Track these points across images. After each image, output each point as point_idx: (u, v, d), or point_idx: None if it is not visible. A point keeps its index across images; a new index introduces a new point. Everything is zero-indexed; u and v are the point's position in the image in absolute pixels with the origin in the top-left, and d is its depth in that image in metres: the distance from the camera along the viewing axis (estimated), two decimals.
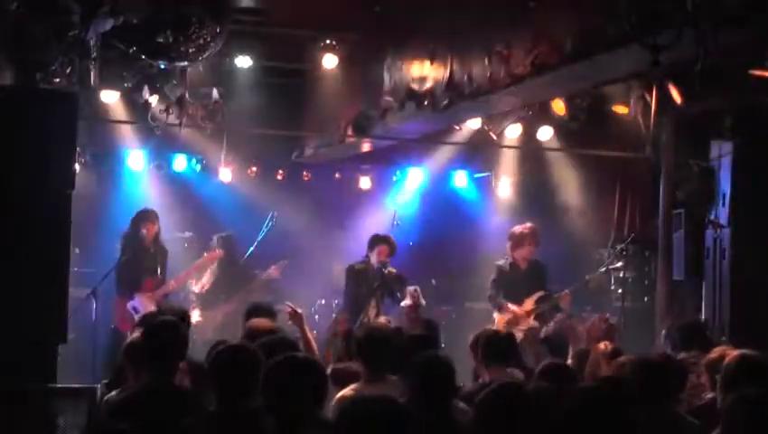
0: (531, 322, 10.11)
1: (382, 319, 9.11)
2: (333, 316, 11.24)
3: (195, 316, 10.90)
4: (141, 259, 10.48)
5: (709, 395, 5.66)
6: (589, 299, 11.17)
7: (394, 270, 10.36)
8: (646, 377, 5.12)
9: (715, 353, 5.93)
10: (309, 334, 6.84)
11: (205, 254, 11.16)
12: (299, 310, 6.95)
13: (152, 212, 10.72)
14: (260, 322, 6.42)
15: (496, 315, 10.43)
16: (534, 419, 3.86)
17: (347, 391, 5.67)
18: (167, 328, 5.27)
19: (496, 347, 6.31)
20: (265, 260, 11.60)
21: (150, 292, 10.32)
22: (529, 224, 10.68)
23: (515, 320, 10.17)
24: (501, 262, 10.62)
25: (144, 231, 10.45)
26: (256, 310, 6.91)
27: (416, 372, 4.99)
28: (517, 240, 10.53)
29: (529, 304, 10.29)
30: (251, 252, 11.65)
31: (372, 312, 10.06)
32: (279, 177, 13.24)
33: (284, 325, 6.90)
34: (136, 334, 5.80)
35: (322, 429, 4.19)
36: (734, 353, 5.35)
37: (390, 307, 10.41)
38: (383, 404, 3.69)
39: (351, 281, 10.45)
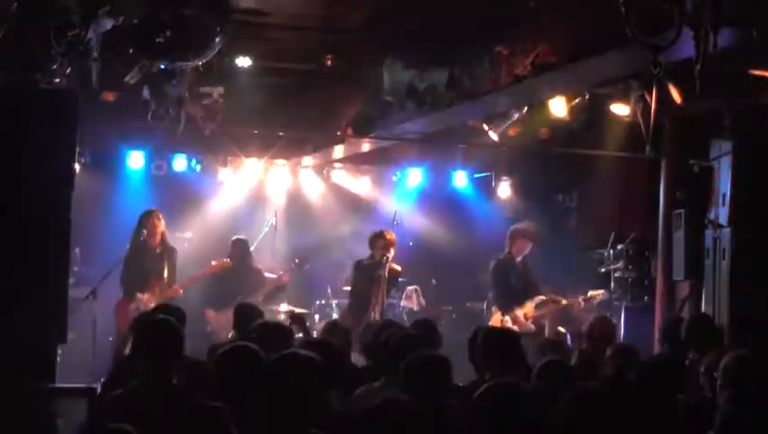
0: (530, 325, 10.17)
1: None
2: (333, 316, 11.26)
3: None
4: (146, 260, 10.46)
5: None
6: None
7: (397, 267, 10.43)
8: (646, 376, 5.13)
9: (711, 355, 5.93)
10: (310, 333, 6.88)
11: (213, 262, 11.13)
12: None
13: (154, 212, 10.69)
14: None
15: (495, 310, 10.45)
16: (532, 417, 3.85)
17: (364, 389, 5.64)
18: (163, 327, 5.26)
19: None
20: (265, 261, 11.59)
21: (155, 294, 10.29)
22: (528, 222, 10.97)
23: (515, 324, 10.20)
24: (501, 257, 10.71)
25: (145, 230, 10.43)
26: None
27: (412, 371, 4.98)
28: (513, 234, 10.76)
29: (529, 307, 10.33)
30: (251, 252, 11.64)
31: (377, 309, 10.13)
32: (279, 177, 13.24)
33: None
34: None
35: (327, 423, 4.19)
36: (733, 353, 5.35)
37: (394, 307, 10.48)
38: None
39: (357, 277, 10.58)
